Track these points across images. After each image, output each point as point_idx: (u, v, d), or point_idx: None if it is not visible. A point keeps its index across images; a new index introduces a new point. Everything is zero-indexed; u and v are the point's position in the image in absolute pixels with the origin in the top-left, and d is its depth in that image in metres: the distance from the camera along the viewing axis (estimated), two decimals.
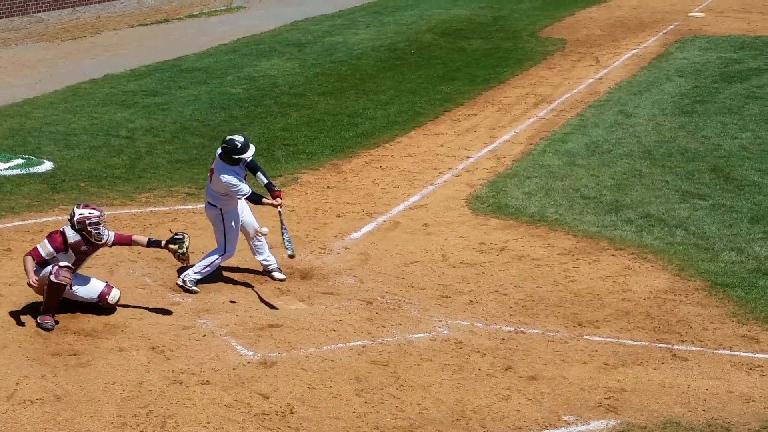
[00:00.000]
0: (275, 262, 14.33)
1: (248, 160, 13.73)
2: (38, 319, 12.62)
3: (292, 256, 13.74)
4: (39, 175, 18.52)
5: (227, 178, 13.53)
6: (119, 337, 12.44)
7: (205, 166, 19.17)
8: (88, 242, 12.86)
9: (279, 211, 13.97)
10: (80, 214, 12.77)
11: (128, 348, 12.16)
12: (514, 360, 12.07)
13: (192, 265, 13.89)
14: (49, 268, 12.60)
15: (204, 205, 14.13)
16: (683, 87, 25.81)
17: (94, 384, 11.32)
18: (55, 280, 12.51)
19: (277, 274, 14.29)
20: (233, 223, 13.90)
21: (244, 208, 14.07)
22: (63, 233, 12.75)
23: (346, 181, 18.65)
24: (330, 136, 21.36)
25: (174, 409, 10.89)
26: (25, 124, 21.82)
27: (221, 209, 13.82)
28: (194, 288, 13.80)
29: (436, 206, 17.33)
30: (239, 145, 13.55)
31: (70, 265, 12.67)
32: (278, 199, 13.86)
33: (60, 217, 16.35)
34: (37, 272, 12.61)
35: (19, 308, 13.06)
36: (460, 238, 15.89)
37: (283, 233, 13.85)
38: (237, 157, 13.58)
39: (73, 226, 12.78)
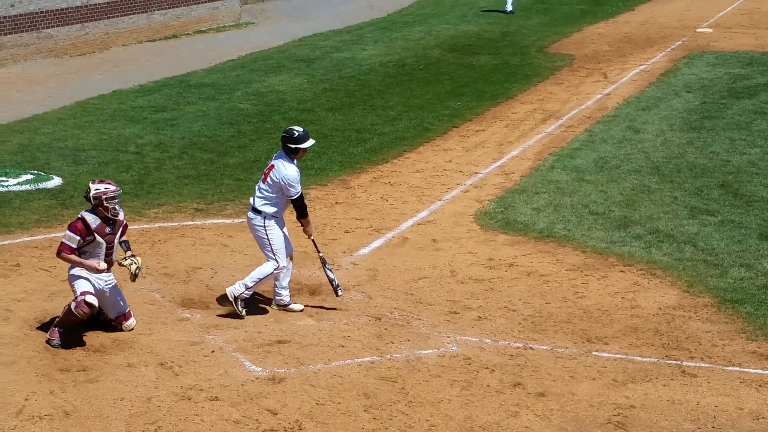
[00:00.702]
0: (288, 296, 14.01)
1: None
2: (48, 334, 12.57)
3: (339, 295, 13.73)
4: (48, 190, 18.55)
5: (287, 171, 13.31)
6: (128, 353, 12.44)
7: (214, 182, 19.22)
8: (107, 221, 12.60)
9: (315, 245, 13.92)
10: (96, 189, 12.54)
11: (137, 364, 12.15)
12: (522, 376, 12.05)
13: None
14: (84, 287, 12.48)
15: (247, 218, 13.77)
16: (692, 103, 25.81)
17: (102, 400, 11.32)
18: (73, 310, 12.44)
19: (294, 306, 13.94)
20: (278, 231, 13.54)
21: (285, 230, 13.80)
22: (82, 218, 12.54)
23: (355, 196, 18.66)
24: (338, 152, 21.37)
25: (182, 425, 10.89)
26: (34, 139, 21.87)
27: (264, 215, 13.42)
28: (242, 312, 13.50)
29: (445, 222, 17.33)
30: (296, 134, 13.41)
31: (94, 301, 12.47)
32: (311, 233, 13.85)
33: None
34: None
35: (29, 324, 13.06)
36: (468, 254, 15.88)
37: (326, 270, 13.83)
38: (294, 146, 13.41)
39: (90, 204, 12.57)
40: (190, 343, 12.71)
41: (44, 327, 12.93)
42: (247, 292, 13.52)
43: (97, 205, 12.55)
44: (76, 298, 12.43)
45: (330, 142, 22.14)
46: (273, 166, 13.49)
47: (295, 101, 25.97)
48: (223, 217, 17.45)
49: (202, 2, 37.22)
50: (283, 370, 12.07)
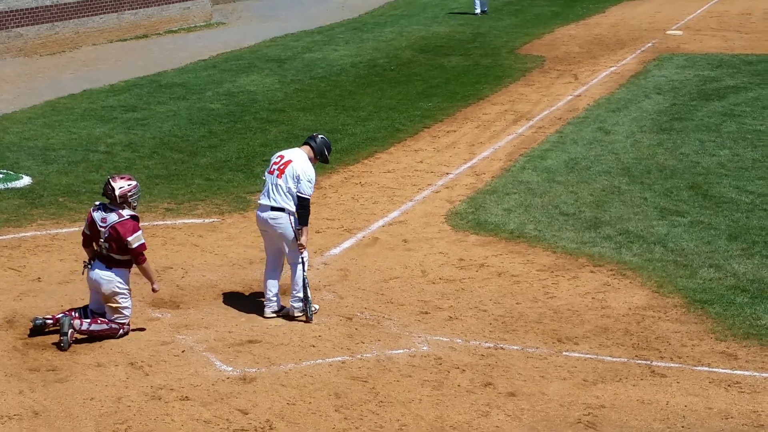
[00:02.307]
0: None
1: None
2: (69, 333, 12.33)
3: (308, 320, 13.36)
4: (17, 190, 18.46)
5: (311, 169, 13.30)
6: (97, 352, 12.39)
7: (185, 181, 19.15)
8: None
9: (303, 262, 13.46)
10: (120, 187, 12.51)
11: (107, 364, 12.11)
12: (493, 376, 12.08)
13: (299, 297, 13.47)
14: (130, 313, 12.63)
15: (263, 215, 13.35)
16: (661, 104, 25.92)
17: (72, 400, 11.27)
18: (121, 332, 12.62)
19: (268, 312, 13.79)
20: None
21: None
22: (134, 217, 12.55)
23: (326, 197, 18.65)
24: None
25: (153, 425, 10.85)
26: (3, 139, 21.76)
27: (289, 213, 13.18)
28: (313, 310, 13.45)
29: (416, 222, 17.34)
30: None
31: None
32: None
33: (39, 232, 16.31)
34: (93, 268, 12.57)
35: None
36: (439, 254, 15.90)
37: (305, 287, 13.40)
38: (328, 155, 13.67)
39: (113, 202, 12.53)
40: (161, 343, 12.68)
41: (13, 327, 12.86)
42: (302, 303, 13.42)
43: (123, 203, 12.55)
44: (123, 324, 12.62)
45: (301, 142, 22.05)
46: (290, 161, 13.28)
47: (266, 101, 25.94)
48: (194, 216, 17.40)
49: (173, 2, 37.13)
50: (253, 370, 12.05)
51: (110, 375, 11.83)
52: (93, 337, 12.58)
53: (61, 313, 12.73)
